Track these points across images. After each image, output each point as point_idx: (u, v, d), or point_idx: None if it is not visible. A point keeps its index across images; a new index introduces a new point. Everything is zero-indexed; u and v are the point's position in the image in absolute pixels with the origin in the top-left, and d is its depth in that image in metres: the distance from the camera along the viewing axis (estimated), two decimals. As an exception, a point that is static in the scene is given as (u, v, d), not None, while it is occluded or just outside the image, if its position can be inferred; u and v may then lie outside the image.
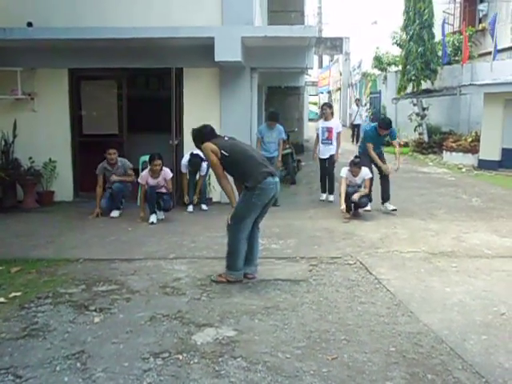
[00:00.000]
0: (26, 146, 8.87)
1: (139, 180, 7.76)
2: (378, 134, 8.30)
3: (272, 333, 3.77)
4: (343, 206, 7.65)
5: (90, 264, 5.50)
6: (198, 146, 5.15)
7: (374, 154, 8.27)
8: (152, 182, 7.59)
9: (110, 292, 4.62)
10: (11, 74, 8.70)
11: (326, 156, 9.10)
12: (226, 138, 5.14)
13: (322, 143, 9.10)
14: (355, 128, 20.47)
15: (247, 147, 5.22)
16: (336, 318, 4.05)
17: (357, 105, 21.10)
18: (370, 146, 8.30)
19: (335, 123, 9.32)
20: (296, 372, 3.20)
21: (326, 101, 40.76)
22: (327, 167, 9.16)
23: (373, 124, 8.44)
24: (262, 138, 8.95)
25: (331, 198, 9.11)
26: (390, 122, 8.57)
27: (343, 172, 7.98)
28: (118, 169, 8.15)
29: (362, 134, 10.06)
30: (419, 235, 6.71)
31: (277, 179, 4.93)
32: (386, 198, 8.21)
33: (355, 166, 7.81)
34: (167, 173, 7.76)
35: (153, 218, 7.47)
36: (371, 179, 7.95)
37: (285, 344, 3.59)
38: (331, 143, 9.06)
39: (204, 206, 8.53)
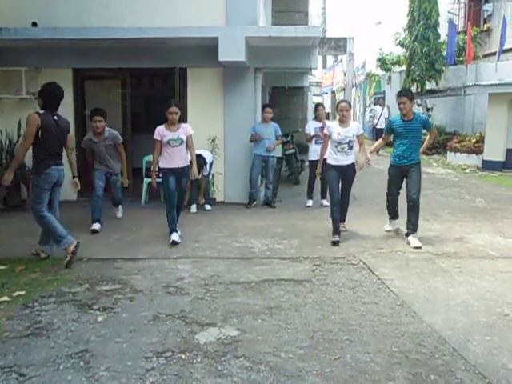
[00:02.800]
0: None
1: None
2: (403, 122, 6.45)
3: (275, 333, 3.78)
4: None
5: (93, 263, 5.51)
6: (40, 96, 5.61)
7: (374, 146, 7.30)
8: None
9: (114, 291, 4.63)
10: (16, 73, 8.73)
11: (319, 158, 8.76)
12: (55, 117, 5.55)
13: (316, 143, 8.70)
14: (379, 134, 16.86)
15: (56, 135, 5.53)
16: (339, 318, 4.05)
17: (380, 105, 18.16)
18: (386, 138, 7.00)
19: (328, 123, 9.00)
20: (299, 372, 3.20)
21: (329, 101, 40.68)
22: (323, 169, 8.78)
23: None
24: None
25: (325, 202, 8.73)
26: (408, 90, 7.00)
27: (331, 127, 6.66)
28: (105, 140, 7.02)
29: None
30: (423, 235, 6.69)
31: (61, 167, 5.63)
32: (411, 228, 6.34)
33: (344, 102, 6.68)
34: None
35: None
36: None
37: (288, 344, 3.59)
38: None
39: (208, 206, 8.53)
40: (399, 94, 6.48)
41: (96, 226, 7.00)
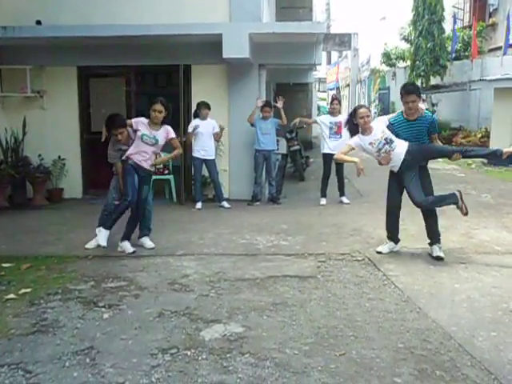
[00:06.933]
0: (35, 144, 8.94)
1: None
2: (406, 122, 5.54)
3: (280, 329, 3.78)
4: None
5: (99, 261, 5.53)
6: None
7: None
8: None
9: (119, 288, 4.64)
10: (20, 71, 8.78)
11: (336, 151, 8.65)
12: None
13: (330, 138, 8.61)
14: None
15: None
16: (344, 315, 4.04)
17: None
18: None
19: (343, 117, 8.76)
20: (304, 368, 3.19)
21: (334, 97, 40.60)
22: (337, 165, 8.61)
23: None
24: (258, 131, 8.62)
25: (345, 200, 8.76)
26: (416, 85, 5.87)
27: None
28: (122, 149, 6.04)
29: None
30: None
31: None
32: (433, 237, 5.69)
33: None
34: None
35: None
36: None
37: (293, 340, 3.59)
38: (340, 137, 8.50)
39: (226, 204, 8.51)
40: (407, 91, 5.41)
41: (103, 237, 5.84)
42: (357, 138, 5.56)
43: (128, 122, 5.93)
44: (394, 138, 5.45)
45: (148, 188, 5.98)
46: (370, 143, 5.46)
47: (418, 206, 5.54)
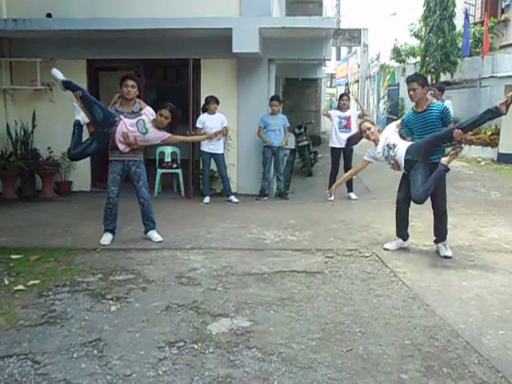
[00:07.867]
0: (44, 137, 8.97)
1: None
2: (415, 115, 5.48)
3: (287, 324, 3.78)
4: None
5: (106, 253, 5.55)
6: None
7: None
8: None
9: (127, 281, 4.66)
10: (31, 64, 8.81)
11: (344, 145, 8.46)
12: None
13: (340, 131, 8.63)
14: None
15: None
16: (351, 310, 4.04)
17: (435, 97, 9.43)
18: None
19: (352, 112, 8.96)
20: (310, 363, 3.20)
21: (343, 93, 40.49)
22: (345, 159, 8.68)
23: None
24: (266, 128, 8.63)
25: (353, 196, 8.76)
26: (420, 75, 5.99)
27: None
28: (133, 114, 5.83)
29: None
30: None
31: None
32: (439, 235, 5.64)
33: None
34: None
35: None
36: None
37: (300, 335, 3.59)
38: (350, 131, 8.48)
39: (234, 199, 8.51)
40: (408, 79, 5.45)
41: (107, 237, 5.97)
42: (369, 151, 5.63)
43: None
44: (397, 141, 5.42)
45: (138, 176, 6.02)
46: (378, 152, 5.51)
47: (414, 202, 5.34)
